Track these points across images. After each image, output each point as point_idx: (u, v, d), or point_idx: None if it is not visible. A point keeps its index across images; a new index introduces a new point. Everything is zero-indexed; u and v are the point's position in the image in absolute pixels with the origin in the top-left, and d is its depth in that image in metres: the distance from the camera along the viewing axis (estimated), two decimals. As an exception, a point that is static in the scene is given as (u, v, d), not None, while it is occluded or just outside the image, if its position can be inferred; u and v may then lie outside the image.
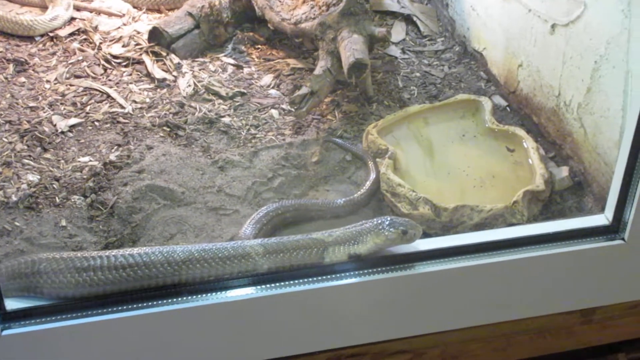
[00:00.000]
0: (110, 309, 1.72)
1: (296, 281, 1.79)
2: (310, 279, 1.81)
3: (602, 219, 1.94)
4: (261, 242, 1.95)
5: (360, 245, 1.92)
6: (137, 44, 3.47)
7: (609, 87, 2.35)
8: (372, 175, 2.62)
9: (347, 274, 1.83)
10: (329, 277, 1.81)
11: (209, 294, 1.75)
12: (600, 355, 2.20)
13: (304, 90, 2.89)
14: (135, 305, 1.73)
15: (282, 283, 1.78)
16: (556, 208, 2.52)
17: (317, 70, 2.99)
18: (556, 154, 2.75)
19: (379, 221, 1.94)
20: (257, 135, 2.91)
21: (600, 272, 1.94)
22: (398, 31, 3.74)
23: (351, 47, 2.92)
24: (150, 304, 1.74)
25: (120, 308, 1.72)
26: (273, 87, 3.26)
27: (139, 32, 3.58)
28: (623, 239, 1.88)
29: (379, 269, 1.85)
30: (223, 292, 1.76)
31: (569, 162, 2.66)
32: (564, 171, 2.60)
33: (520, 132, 2.78)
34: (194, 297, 1.75)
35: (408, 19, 3.84)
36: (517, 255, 1.89)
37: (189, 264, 1.84)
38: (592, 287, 1.97)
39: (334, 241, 1.94)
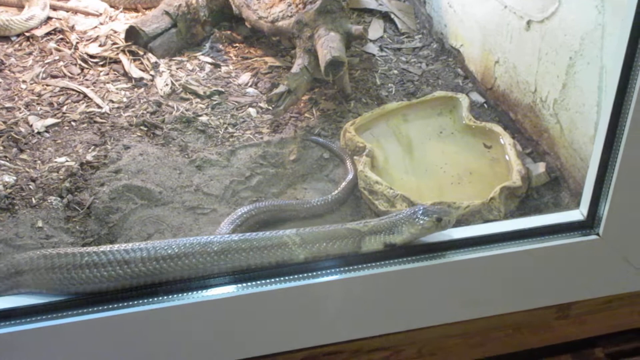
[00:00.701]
0: (79, 311, 1.70)
1: (272, 280, 1.79)
2: (286, 278, 1.80)
3: (577, 215, 1.95)
4: (297, 231, 1.95)
5: (396, 235, 1.92)
6: (114, 43, 3.46)
7: (584, 83, 2.36)
8: (349, 176, 2.62)
9: (324, 272, 1.83)
10: (305, 275, 1.80)
11: (182, 294, 1.74)
12: (578, 350, 2.20)
13: (281, 88, 2.88)
14: (105, 307, 1.71)
15: (258, 282, 1.78)
16: (533, 204, 2.53)
17: (294, 69, 2.99)
18: (533, 150, 2.76)
19: (413, 211, 1.95)
20: (235, 134, 2.90)
21: (576, 268, 1.95)
22: (376, 28, 3.74)
23: (328, 44, 2.91)
24: (122, 304, 1.73)
25: (90, 309, 1.71)
26: (251, 86, 3.25)
27: (116, 32, 3.56)
28: (598, 234, 1.89)
29: (356, 267, 1.84)
30: (197, 292, 1.75)
31: (545, 158, 2.67)
32: (540, 167, 2.61)
33: (497, 128, 2.79)
34: (169, 297, 1.74)
35: (386, 17, 3.84)
36: (493, 251, 1.89)
37: (227, 254, 1.85)
38: (568, 282, 1.97)
39: (369, 231, 1.94)
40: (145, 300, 1.73)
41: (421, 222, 1.90)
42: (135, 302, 1.71)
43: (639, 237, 1.90)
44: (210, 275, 1.82)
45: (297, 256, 1.89)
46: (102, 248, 1.82)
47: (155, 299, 1.73)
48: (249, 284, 1.79)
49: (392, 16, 3.82)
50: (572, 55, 2.40)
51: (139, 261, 1.78)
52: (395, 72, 3.39)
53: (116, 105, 3.05)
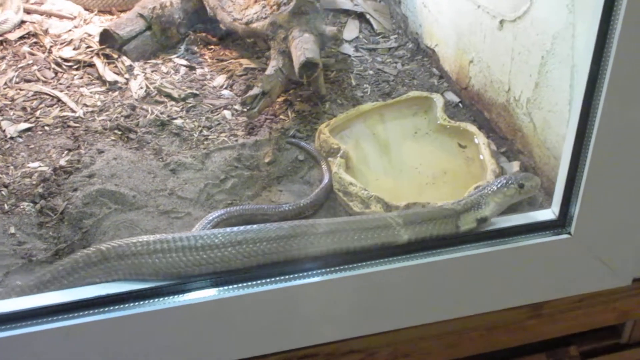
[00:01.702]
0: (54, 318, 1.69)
1: (244, 284, 1.78)
2: (258, 282, 1.80)
3: (549, 214, 1.95)
4: (398, 213, 1.99)
5: (484, 207, 1.97)
6: (88, 47, 3.44)
7: (556, 82, 2.37)
8: (325, 179, 2.61)
9: (298, 275, 1.82)
10: (277, 279, 1.80)
11: (151, 300, 1.73)
12: (552, 348, 2.21)
13: (255, 90, 2.87)
14: (82, 313, 1.70)
15: (229, 287, 1.77)
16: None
17: (269, 70, 2.98)
18: (507, 149, 2.77)
19: (498, 181, 2.01)
20: (210, 137, 2.89)
21: (548, 267, 1.95)
22: (351, 29, 3.74)
23: (302, 46, 2.91)
24: (97, 311, 1.72)
25: (64, 317, 1.70)
26: (226, 88, 3.24)
27: (90, 35, 3.54)
28: (569, 233, 1.89)
29: (329, 269, 1.84)
30: (167, 298, 1.74)
31: (519, 157, 2.68)
32: (515, 166, 2.62)
33: (472, 128, 2.79)
34: (141, 302, 1.73)
35: (361, 17, 3.84)
36: (467, 252, 1.89)
37: (332, 235, 1.88)
38: (540, 281, 1.98)
39: (462, 209, 1.98)
40: (116, 307, 1.72)
41: (504, 190, 1.98)
42: (106, 309, 1.70)
43: (610, 236, 1.91)
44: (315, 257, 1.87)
45: (401, 237, 1.92)
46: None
47: (124, 305, 1.72)
48: (221, 288, 1.78)
49: (368, 16, 3.82)
50: (544, 55, 2.41)
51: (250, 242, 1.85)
52: (371, 72, 3.39)
53: (90, 109, 3.03)
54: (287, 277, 1.82)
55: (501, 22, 2.68)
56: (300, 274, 1.82)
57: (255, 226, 1.89)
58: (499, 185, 2.00)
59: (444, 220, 1.96)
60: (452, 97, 3.17)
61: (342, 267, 1.84)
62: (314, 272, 1.83)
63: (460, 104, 3.13)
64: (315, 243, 1.87)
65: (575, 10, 2.19)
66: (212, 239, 1.84)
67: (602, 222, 1.88)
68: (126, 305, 1.72)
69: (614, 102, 1.65)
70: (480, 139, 2.70)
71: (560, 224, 1.91)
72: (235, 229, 1.89)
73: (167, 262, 1.80)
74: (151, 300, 1.73)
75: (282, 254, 1.85)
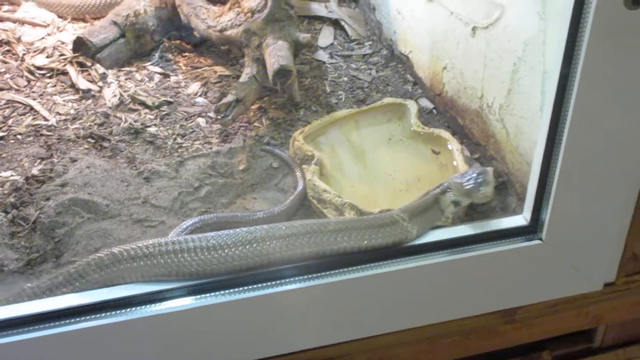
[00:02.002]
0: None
1: (217, 293, 1.78)
2: (232, 290, 1.79)
3: (520, 220, 1.95)
4: (400, 209, 2.01)
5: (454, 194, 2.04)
6: (62, 55, 3.42)
7: (528, 88, 2.38)
8: (299, 187, 2.61)
9: (271, 283, 1.82)
10: (250, 287, 1.79)
11: (121, 310, 1.72)
12: (526, 353, 2.22)
13: (229, 98, 2.87)
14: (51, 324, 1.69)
15: (201, 296, 1.76)
16: (481, 209, 2.54)
17: (243, 78, 2.98)
18: (481, 155, 2.78)
19: (465, 177, 2.03)
20: (184, 145, 2.89)
21: (521, 273, 1.96)
22: (326, 36, 3.75)
23: (276, 53, 2.91)
24: (66, 322, 1.71)
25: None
26: (200, 95, 3.24)
27: (63, 42, 3.53)
28: (541, 238, 1.90)
29: (303, 277, 1.84)
30: (138, 307, 1.73)
31: (493, 163, 2.69)
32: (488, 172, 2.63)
33: (446, 134, 2.80)
34: (110, 313, 1.72)
35: (336, 24, 3.85)
36: (440, 258, 1.89)
37: (340, 233, 1.89)
38: (513, 287, 1.98)
39: (441, 191, 2.05)
40: (88, 317, 1.71)
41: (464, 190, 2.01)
42: (75, 320, 1.69)
43: (581, 241, 1.92)
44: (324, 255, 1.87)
45: (410, 232, 1.94)
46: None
47: (101, 314, 1.71)
48: (193, 297, 1.77)
49: (342, 23, 3.83)
50: (515, 61, 2.42)
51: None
52: (345, 79, 3.40)
53: (63, 117, 3.01)
54: (259, 285, 1.81)
55: (474, 29, 2.69)
56: (273, 282, 1.82)
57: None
58: (464, 183, 2.01)
59: (432, 208, 2.03)
60: (426, 103, 3.18)
61: (317, 275, 1.84)
62: (289, 279, 1.83)
63: (434, 111, 3.14)
64: (324, 243, 1.88)
65: (546, 17, 2.21)
66: (225, 239, 1.85)
67: (573, 227, 1.89)
68: (97, 315, 1.71)
69: (583, 108, 1.66)
70: (453, 145, 2.71)
71: (531, 229, 1.92)
72: (250, 228, 1.90)
73: (180, 263, 1.81)
74: (121, 311, 1.72)
75: (308, 249, 1.87)
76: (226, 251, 1.83)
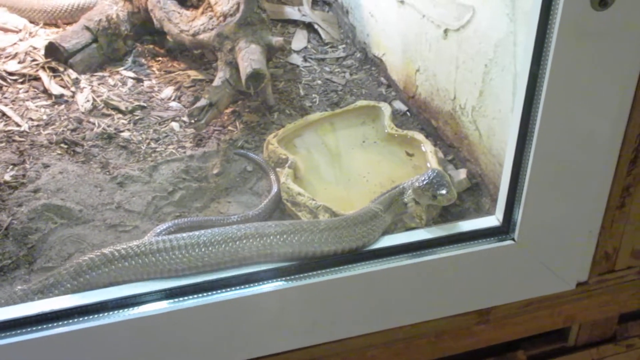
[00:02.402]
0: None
1: (190, 297, 1.77)
2: (205, 294, 1.79)
3: (493, 220, 1.97)
4: (373, 202, 2.11)
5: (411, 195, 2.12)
6: (34, 60, 3.40)
7: (499, 90, 2.40)
8: (273, 192, 2.61)
9: (242, 286, 1.81)
10: (223, 291, 1.79)
11: (96, 315, 1.71)
12: (501, 353, 2.23)
13: (202, 102, 2.87)
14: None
15: (175, 300, 1.76)
16: (455, 210, 2.56)
17: (216, 82, 2.98)
18: (454, 157, 2.79)
19: (424, 178, 2.09)
20: (158, 149, 2.88)
21: (494, 273, 1.97)
22: (300, 39, 3.75)
23: (248, 57, 2.91)
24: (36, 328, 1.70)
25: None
26: (174, 100, 3.23)
27: (35, 48, 3.50)
28: (513, 239, 1.91)
29: (276, 280, 1.84)
30: (113, 312, 1.72)
31: (466, 164, 2.70)
32: (461, 173, 2.64)
33: (419, 136, 2.81)
34: (84, 318, 1.71)
35: (310, 27, 3.85)
36: (414, 259, 1.90)
37: (334, 230, 1.92)
38: (486, 287, 1.99)
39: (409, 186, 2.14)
40: (60, 323, 1.70)
41: (420, 192, 2.08)
42: (47, 326, 1.68)
43: (552, 241, 1.93)
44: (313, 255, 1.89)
45: (386, 222, 2.03)
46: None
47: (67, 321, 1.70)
48: (168, 301, 1.77)
49: (316, 27, 3.84)
50: (487, 63, 2.44)
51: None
52: (319, 82, 3.40)
53: (36, 123, 2.99)
54: (233, 288, 1.81)
55: (445, 31, 2.71)
56: (248, 285, 1.82)
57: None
58: (421, 185, 2.08)
59: (398, 200, 2.12)
60: (400, 105, 3.19)
61: (290, 277, 1.84)
62: (261, 283, 1.83)
63: (408, 113, 3.15)
64: (314, 241, 1.89)
65: (516, 18, 2.22)
66: (216, 236, 1.88)
67: (545, 227, 1.90)
68: (69, 321, 1.70)
69: (552, 109, 1.67)
70: (427, 147, 2.72)
71: (504, 230, 1.93)
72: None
73: (171, 260, 1.83)
74: (95, 315, 1.71)
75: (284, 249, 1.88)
76: (223, 247, 1.86)
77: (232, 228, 1.90)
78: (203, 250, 1.84)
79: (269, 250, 1.86)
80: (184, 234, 1.89)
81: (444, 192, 2.02)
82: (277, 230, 1.89)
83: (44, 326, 1.68)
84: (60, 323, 1.69)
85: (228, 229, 1.90)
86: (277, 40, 3.09)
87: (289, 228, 1.90)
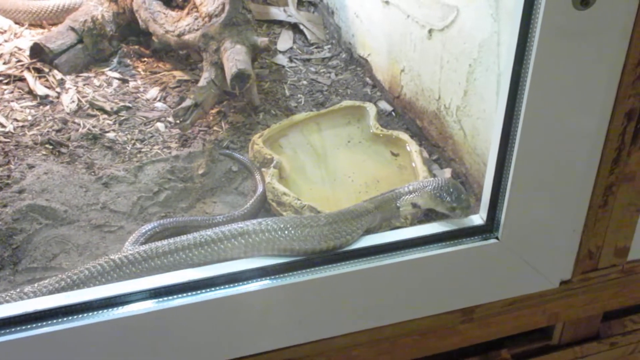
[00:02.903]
0: None
1: (176, 296, 1.77)
2: (190, 293, 1.79)
3: (477, 219, 1.98)
4: (367, 200, 2.12)
5: (419, 197, 2.10)
6: (19, 61, 3.39)
7: (484, 90, 2.41)
8: (258, 192, 2.61)
9: (227, 285, 1.82)
10: (208, 290, 1.79)
11: (81, 314, 1.71)
12: (485, 352, 2.24)
13: (187, 102, 2.87)
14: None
15: (161, 299, 1.76)
16: (440, 210, 2.56)
17: (201, 82, 2.98)
18: (439, 156, 2.81)
19: (437, 186, 2.07)
20: (143, 150, 2.88)
21: (478, 272, 1.97)
22: (285, 40, 3.76)
23: (234, 57, 2.91)
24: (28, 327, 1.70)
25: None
26: (159, 100, 3.23)
27: (20, 49, 3.49)
28: (497, 237, 1.92)
29: (260, 279, 1.84)
30: (99, 311, 1.72)
31: (451, 163, 2.71)
32: (446, 173, 2.66)
33: (404, 136, 2.82)
34: (70, 317, 1.71)
35: (295, 28, 3.86)
36: (399, 258, 1.90)
37: (334, 224, 1.94)
38: (470, 286, 2.00)
39: (405, 192, 2.14)
40: (45, 323, 1.70)
41: (439, 201, 2.05)
42: (32, 326, 1.68)
43: (536, 240, 1.94)
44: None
45: (376, 219, 2.08)
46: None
47: (53, 321, 1.70)
48: (153, 300, 1.77)
49: (302, 27, 3.84)
50: (471, 63, 2.45)
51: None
52: (305, 82, 3.40)
53: (21, 123, 2.99)
54: (218, 287, 1.81)
55: (430, 31, 2.72)
56: (232, 284, 1.82)
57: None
58: (436, 194, 2.05)
59: (391, 204, 2.12)
60: (385, 106, 3.20)
61: (275, 276, 1.85)
62: (246, 282, 1.83)
63: (393, 113, 3.16)
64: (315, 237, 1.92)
65: (499, 18, 2.24)
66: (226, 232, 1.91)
67: (529, 226, 1.91)
68: (56, 320, 1.70)
69: (535, 108, 1.68)
70: (412, 146, 2.73)
71: (488, 228, 1.94)
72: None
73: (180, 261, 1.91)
74: (81, 315, 1.71)
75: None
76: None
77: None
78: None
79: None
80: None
81: (464, 205, 2.01)
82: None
83: (28, 326, 1.68)
84: (44, 323, 1.69)
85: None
86: (262, 40, 3.09)
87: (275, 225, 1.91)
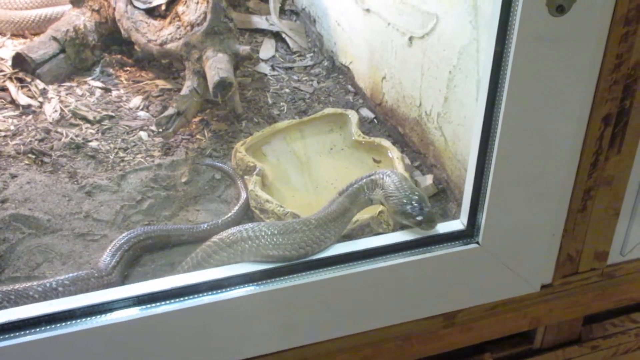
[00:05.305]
0: None
1: (160, 303, 1.78)
2: (175, 300, 1.79)
3: (458, 224, 1.99)
4: (344, 196, 2.17)
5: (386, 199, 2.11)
6: (1, 71, 3.39)
7: (464, 96, 2.43)
8: (241, 200, 2.62)
9: (209, 292, 1.82)
10: (191, 297, 1.80)
11: (65, 322, 1.71)
12: (467, 356, 2.26)
13: (170, 111, 2.88)
14: None
15: (146, 306, 1.76)
16: (422, 215, 2.58)
17: (184, 91, 2.99)
18: (421, 163, 2.82)
19: (405, 199, 2.05)
20: (126, 158, 2.88)
21: (459, 276, 1.99)
22: (267, 48, 3.77)
23: (216, 66, 2.93)
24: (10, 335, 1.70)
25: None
26: (142, 109, 3.23)
27: (2, 59, 3.49)
28: (478, 242, 1.93)
29: (243, 285, 1.85)
30: (83, 319, 1.73)
31: (433, 170, 2.73)
32: (428, 179, 2.67)
33: (386, 143, 2.83)
34: (54, 326, 1.71)
35: (277, 36, 3.88)
36: (381, 263, 1.92)
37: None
38: (452, 291, 2.01)
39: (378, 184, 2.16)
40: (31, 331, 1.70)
41: (405, 216, 2.02)
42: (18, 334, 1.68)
43: (516, 244, 1.96)
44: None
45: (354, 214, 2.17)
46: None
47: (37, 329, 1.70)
48: (139, 307, 1.77)
49: (284, 35, 3.86)
50: (451, 70, 2.47)
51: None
52: (287, 90, 3.42)
53: (3, 133, 2.98)
54: (202, 294, 1.82)
55: (410, 39, 2.74)
56: (216, 291, 1.83)
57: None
58: (403, 208, 2.02)
59: (365, 194, 2.17)
60: (367, 113, 3.22)
61: (258, 283, 1.85)
62: (230, 288, 1.84)
63: (375, 120, 3.18)
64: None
65: (479, 26, 2.26)
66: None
67: (509, 230, 1.93)
68: (40, 329, 1.70)
69: (513, 114, 1.70)
70: (394, 153, 2.75)
71: (468, 233, 1.95)
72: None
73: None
74: (64, 323, 1.71)
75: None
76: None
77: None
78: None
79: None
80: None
81: (432, 223, 1.97)
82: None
83: (11, 335, 1.68)
84: (27, 332, 1.69)
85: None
86: (243, 48, 3.10)
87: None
